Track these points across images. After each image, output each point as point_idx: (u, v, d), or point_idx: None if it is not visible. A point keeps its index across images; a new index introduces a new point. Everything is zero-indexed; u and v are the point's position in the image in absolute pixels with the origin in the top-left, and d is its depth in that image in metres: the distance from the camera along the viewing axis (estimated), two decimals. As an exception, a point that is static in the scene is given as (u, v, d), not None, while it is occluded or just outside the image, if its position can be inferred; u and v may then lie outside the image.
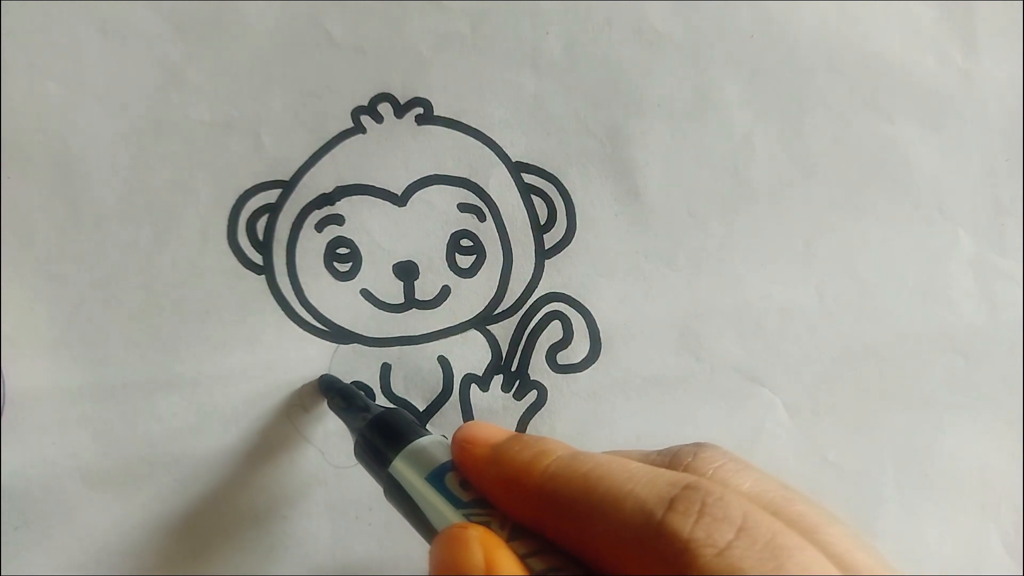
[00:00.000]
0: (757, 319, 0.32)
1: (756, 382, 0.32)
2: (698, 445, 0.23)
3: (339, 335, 0.31)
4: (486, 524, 0.22)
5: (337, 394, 0.29)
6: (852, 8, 0.32)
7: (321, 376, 0.31)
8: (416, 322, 0.31)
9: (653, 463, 0.23)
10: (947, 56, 0.33)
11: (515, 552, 0.21)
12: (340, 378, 0.31)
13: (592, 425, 0.32)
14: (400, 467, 0.25)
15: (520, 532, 0.21)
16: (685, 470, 0.22)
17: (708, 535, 0.18)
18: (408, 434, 0.26)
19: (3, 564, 0.29)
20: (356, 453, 0.27)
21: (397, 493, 0.25)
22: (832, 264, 0.33)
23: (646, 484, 0.20)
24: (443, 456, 0.24)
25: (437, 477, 0.24)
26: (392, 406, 0.30)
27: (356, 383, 0.31)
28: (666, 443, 0.24)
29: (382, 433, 0.26)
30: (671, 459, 0.23)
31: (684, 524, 0.18)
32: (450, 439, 0.24)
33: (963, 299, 0.33)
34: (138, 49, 0.29)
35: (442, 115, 0.31)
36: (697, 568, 0.18)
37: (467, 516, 0.22)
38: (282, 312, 0.31)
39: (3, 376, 0.29)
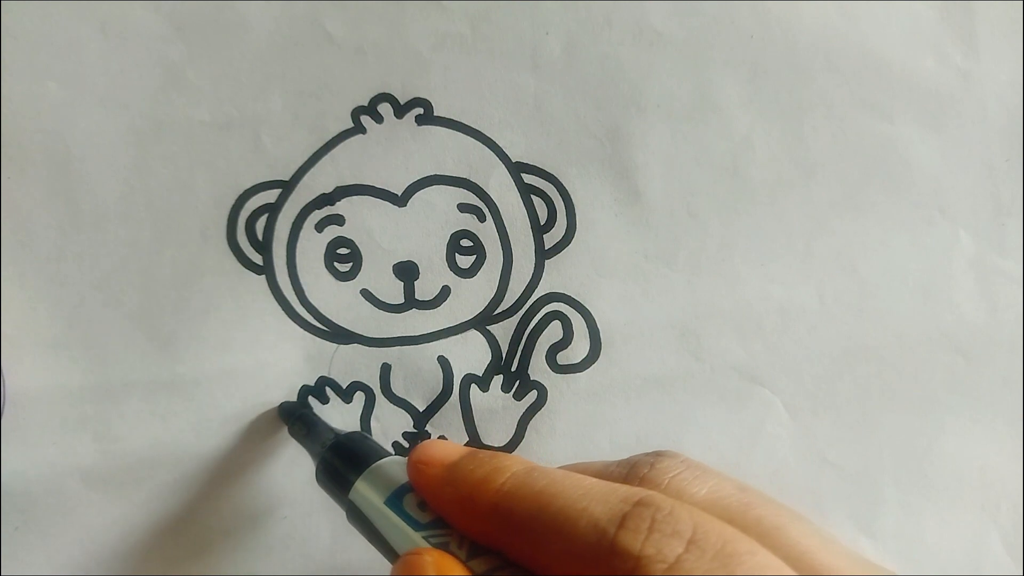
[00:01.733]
0: (757, 319, 0.32)
1: (756, 382, 0.32)
2: (656, 454, 0.24)
3: (339, 335, 0.31)
4: (444, 544, 0.22)
5: (297, 421, 0.29)
6: (852, 8, 0.32)
7: (281, 403, 0.30)
8: (416, 322, 0.31)
9: (612, 475, 0.23)
10: (947, 56, 0.33)
11: (473, 571, 0.21)
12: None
13: (592, 425, 0.32)
14: (361, 489, 0.25)
15: (478, 550, 0.21)
16: (642, 481, 0.23)
17: (658, 551, 0.19)
18: (368, 457, 0.26)
19: (3, 564, 0.29)
20: (317, 478, 0.27)
21: (358, 517, 0.25)
22: (832, 264, 0.33)
23: (600, 501, 0.20)
24: (403, 477, 0.24)
25: (395, 499, 0.24)
26: (352, 430, 0.30)
27: (356, 383, 0.31)
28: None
29: (342, 457, 0.26)
30: (629, 470, 0.23)
31: (635, 541, 0.19)
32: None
33: (963, 299, 0.33)
34: (138, 49, 0.29)
35: (442, 115, 0.31)
36: None
37: (426, 537, 0.22)
38: (282, 312, 0.31)
39: (3, 376, 0.29)
